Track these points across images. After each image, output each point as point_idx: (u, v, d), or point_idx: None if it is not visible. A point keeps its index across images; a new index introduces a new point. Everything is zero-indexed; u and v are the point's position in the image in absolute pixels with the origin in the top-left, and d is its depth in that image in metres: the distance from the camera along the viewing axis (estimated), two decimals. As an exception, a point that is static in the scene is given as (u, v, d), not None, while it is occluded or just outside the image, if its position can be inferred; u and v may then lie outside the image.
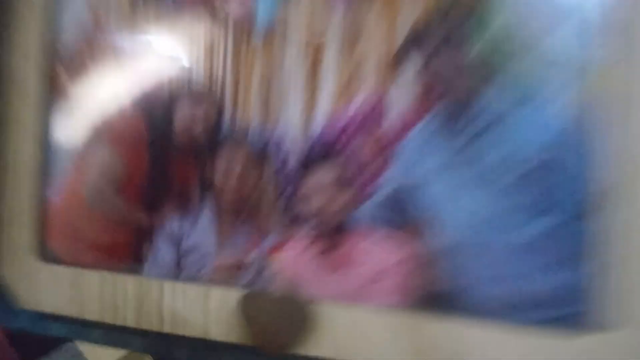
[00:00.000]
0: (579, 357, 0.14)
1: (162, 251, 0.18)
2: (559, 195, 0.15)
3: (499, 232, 0.15)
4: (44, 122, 0.19)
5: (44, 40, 0.19)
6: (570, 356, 0.14)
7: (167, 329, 0.17)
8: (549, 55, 0.15)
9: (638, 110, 0.14)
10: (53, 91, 0.19)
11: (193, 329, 0.17)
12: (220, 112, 0.17)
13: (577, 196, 0.14)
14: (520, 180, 0.15)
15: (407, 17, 0.16)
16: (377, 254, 0.16)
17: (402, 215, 0.16)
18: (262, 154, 0.17)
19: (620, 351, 0.14)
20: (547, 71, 0.15)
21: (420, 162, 0.16)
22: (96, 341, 0.19)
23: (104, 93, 0.19)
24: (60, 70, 0.18)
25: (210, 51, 0.18)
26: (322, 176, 0.17)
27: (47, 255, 0.18)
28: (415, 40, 0.16)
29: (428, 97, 0.16)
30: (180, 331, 0.17)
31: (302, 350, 0.16)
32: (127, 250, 0.18)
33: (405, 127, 0.16)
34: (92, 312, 0.18)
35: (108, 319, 0.17)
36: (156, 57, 0.18)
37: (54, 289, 0.18)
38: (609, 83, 0.14)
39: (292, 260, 0.17)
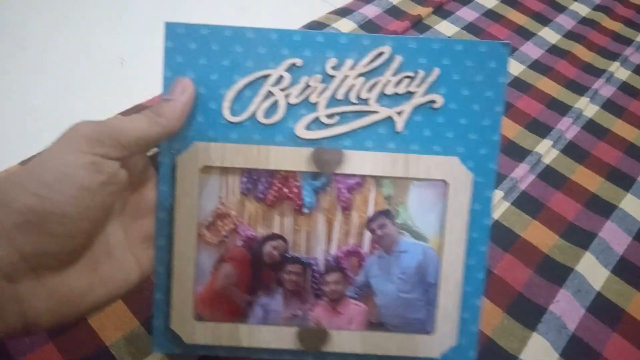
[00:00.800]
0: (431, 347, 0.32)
1: (257, 312, 0.31)
2: (422, 283, 0.33)
3: (399, 298, 0.33)
4: (195, 256, 0.34)
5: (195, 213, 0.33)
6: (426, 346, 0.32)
7: (261, 345, 0.32)
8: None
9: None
10: (200, 243, 0.33)
11: (273, 345, 0.32)
12: (286, 248, 0.32)
13: (429, 281, 0.33)
14: (408, 277, 0.33)
15: (372, 209, 0.35)
16: (352, 308, 0.33)
17: (363, 292, 0.32)
18: (305, 267, 0.32)
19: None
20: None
21: (371, 270, 0.32)
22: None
23: (228, 239, 0.34)
24: (204, 231, 0.33)
25: (281, 220, 0.33)
26: (332, 277, 0.32)
27: (198, 317, 0.32)
28: (370, 221, 0.34)
29: (377, 242, 0.34)
30: (268, 346, 0.32)
31: (324, 350, 0.32)
32: (240, 312, 0.32)
33: (366, 256, 0.33)
34: (225, 342, 0.32)
35: (232, 343, 0.33)
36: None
37: (203, 334, 0.32)
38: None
39: (318, 313, 0.33)
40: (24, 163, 0.44)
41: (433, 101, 0.34)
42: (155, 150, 0.37)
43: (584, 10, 0.71)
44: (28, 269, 0.23)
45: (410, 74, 0.32)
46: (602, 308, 0.43)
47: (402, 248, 0.36)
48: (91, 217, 0.25)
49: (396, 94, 0.34)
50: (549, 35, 0.69)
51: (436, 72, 0.32)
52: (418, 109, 0.35)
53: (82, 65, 0.59)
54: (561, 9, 0.73)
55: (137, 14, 0.67)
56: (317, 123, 0.34)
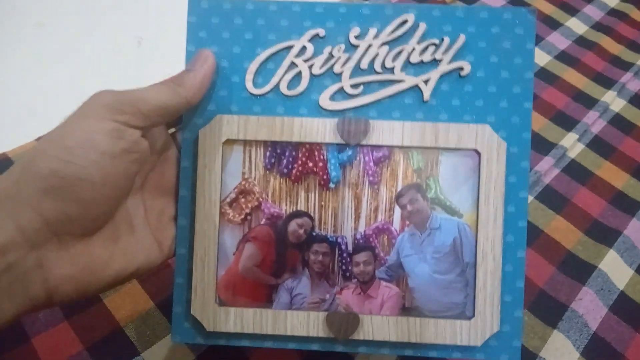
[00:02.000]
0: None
1: (282, 296, 0.30)
2: (458, 262, 0.31)
3: (434, 280, 0.31)
4: (218, 236, 0.32)
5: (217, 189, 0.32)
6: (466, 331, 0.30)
7: (287, 332, 0.30)
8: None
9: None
10: (221, 218, 0.32)
11: (300, 331, 0.31)
12: (312, 226, 0.31)
13: (466, 261, 0.31)
14: (442, 256, 0.31)
15: (400, 183, 0.33)
16: (384, 291, 0.31)
17: (395, 273, 0.31)
18: (333, 246, 0.30)
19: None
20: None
21: (403, 249, 0.31)
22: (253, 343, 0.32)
23: (252, 218, 0.33)
24: (226, 209, 0.32)
25: (307, 196, 0.32)
26: (361, 257, 0.31)
27: (220, 302, 0.31)
28: (400, 196, 0.33)
29: (408, 219, 0.32)
30: (294, 333, 0.30)
31: (354, 337, 0.30)
32: (264, 297, 0.31)
33: (397, 233, 0.31)
34: (248, 329, 0.30)
35: (256, 330, 0.30)
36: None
37: (226, 321, 0.31)
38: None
39: (347, 297, 0.32)
40: (40, 139, 0.43)
41: (460, 68, 0.33)
42: (173, 130, 0.36)
43: (612, 2, 0.69)
44: (52, 235, 0.23)
45: (436, 41, 0.31)
46: (625, 308, 0.42)
47: (435, 224, 0.33)
48: (114, 184, 0.25)
49: (422, 62, 0.33)
50: (577, 26, 0.67)
51: (462, 38, 0.31)
52: (445, 77, 0.33)
53: (99, 44, 0.59)
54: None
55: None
56: (341, 94, 0.33)
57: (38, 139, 0.43)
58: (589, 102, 0.58)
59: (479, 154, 0.33)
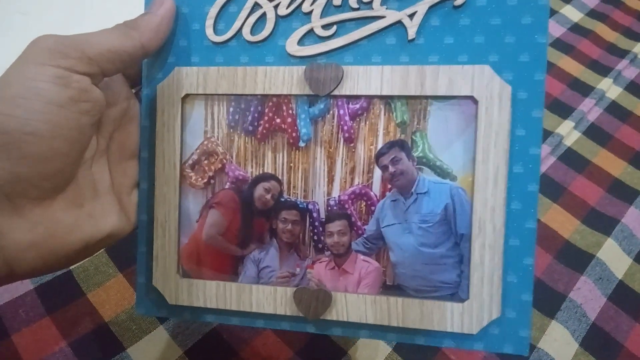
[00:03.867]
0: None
1: (248, 269, 0.27)
2: (450, 234, 0.26)
3: (420, 253, 0.26)
4: (180, 199, 0.29)
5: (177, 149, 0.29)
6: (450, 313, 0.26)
7: (253, 309, 0.28)
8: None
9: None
10: (183, 182, 0.29)
11: (267, 309, 0.28)
12: (281, 191, 0.27)
13: (460, 232, 0.26)
14: (431, 226, 0.26)
15: (381, 140, 0.28)
16: (361, 266, 0.27)
17: (375, 245, 0.27)
18: (303, 213, 0.27)
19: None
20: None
21: (384, 218, 0.26)
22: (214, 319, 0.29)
23: (215, 181, 0.30)
24: (188, 171, 0.29)
25: (274, 156, 0.28)
26: (335, 226, 0.27)
27: (184, 273, 0.29)
28: (380, 155, 0.28)
29: (390, 182, 0.27)
30: (260, 310, 0.27)
31: (326, 317, 0.27)
32: (230, 269, 0.28)
33: (377, 199, 0.27)
34: (212, 304, 0.28)
35: (220, 306, 0.28)
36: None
37: (189, 294, 0.28)
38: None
39: (319, 271, 0.28)
40: None
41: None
42: (138, 89, 0.33)
43: None
44: (4, 198, 0.21)
45: None
46: (624, 297, 0.42)
47: (422, 189, 0.28)
48: (65, 137, 0.22)
49: None
50: (572, 13, 0.66)
51: None
52: (435, 8, 0.27)
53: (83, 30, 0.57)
54: None
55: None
56: (311, 36, 0.29)
57: None
58: (585, 89, 0.56)
59: (476, 102, 0.27)
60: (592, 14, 0.66)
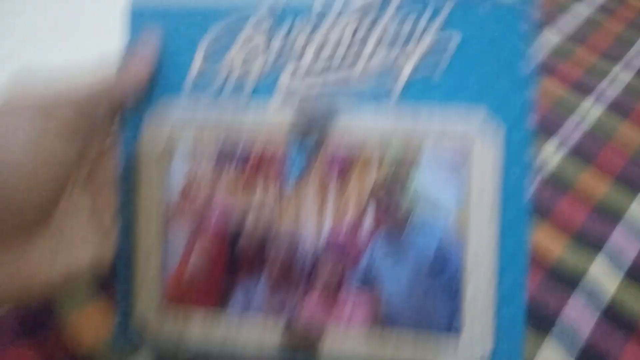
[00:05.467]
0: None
1: (236, 300, 0.27)
2: (443, 269, 0.26)
3: (413, 287, 0.26)
4: (165, 228, 0.28)
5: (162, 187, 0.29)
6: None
7: (240, 341, 0.27)
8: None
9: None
10: (169, 211, 0.28)
11: (255, 340, 0.27)
12: (271, 223, 0.27)
13: (453, 267, 0.26)
14: (424, 260, 0.26)
15: (372, 179, 0.27)
16: (353, 300, 0.28)
17: (368, 279, 0.26)
18: (294, 245, 0.26)
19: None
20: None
21: (376, 253, 0.26)
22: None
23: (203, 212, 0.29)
24: (173, 202, 0.29)
25: (265, 189, 0.28)
26: (327, 258, 0.26)
27: (166, 303, 0.28)
28: (374, 189, 0.28)
29: (381, 220, 0.27)
30: (248, 341, 0.26)
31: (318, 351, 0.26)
32: (217, 301, 0.27)
33: (370, 236, 0.26)
34: (196, 335, 0.27)
35: (205, 336, 0.27)
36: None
37: (172, 323, 0.28)
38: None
39: (310, 304, 0.28)
40: None
41: (446, 41, 0.28)
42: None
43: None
44: None
45: (417, 8, 0.26)
46: (616, 315, 0.41)
47: (415, 224, 0.28)
48: (45, 190, 0.22)
49: (399, 34, 0.28)
50: (552, 36, 0.64)
51: (448, 6, 0.25)
52: (428, 52, 0.28)
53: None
54: None
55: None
56: (304, 74, 0.28)
57: None
58: (567, 110, 0.55)
59: (470, 140, 0.27)
60: (573, 37, 0.66)
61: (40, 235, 0.23)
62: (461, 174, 0.28)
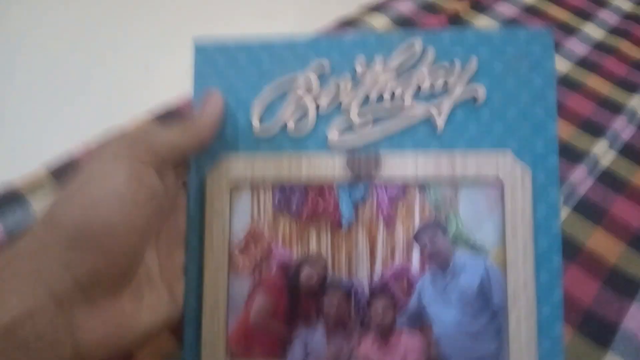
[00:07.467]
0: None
1: (297, 350, 0.27)
2: (487, 307, 0.28)
3: (461, 326, 0.27)
4: (228, 286, 0.30)
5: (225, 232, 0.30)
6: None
7: None
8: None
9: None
10: (231, 266, 0.30)
11: None
12: (326, 271, 0.28)
13: (495, 305, 0.27)
14: (469, 300, 0.27)
15: (416, 224, 0.29)
16: (406, 341, 0.28)
17: (418, 320, 0.28)
18: (348, 292, 0.28)
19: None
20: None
21: (424, 294, 0.28)
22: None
23: (262, 264, 0.30)
24: (236, 255, 0.30)
25: (318, 238, 0.29)
26: (379, 303, 0.28)
27: (232, 356, 0.28)
28: (418, 234, 0.30)
29: (428, 260, 0.29)
30: None
31: None
32: (278, 350, 0.28)
33: (418, 276, 0.28)
34: None
35: None
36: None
37: None
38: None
39: (366, 348, 0.28)
40: (50, 169, 0.40)
41: (475, 93, 0.30)
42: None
43: (627, 6, 0.71)
44: (81, 294, 0.21)
45: (447, 65, 0.28)
46: None
47: (458, 264, 0.30)
48: (139, 232, 0.23)
49: (433, 88, 0.31)
50: (594, 31, 0.65)
51: (474, 61, 0.28)
52: (459, 103, 0.30)
53: (106, 69, 0.58)
54: (603, 3, 0.69)
55: (162, 23, 0.65)
56: (350, 128, 0.31)
57: (49, 169, 0.41)
58: (615, 107, 0.54)
59: (501, 184, 0.30)
60: (615, 31, 0.65)
61: (127, 297, 0.24)
62: (495, 215, 0.30)
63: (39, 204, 0.34)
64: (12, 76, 0.59)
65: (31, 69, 0.60)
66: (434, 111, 0.30)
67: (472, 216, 0.30)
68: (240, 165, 0.29)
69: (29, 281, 0.20)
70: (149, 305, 0.25)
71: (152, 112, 0.52)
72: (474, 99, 0.29)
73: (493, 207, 0.30)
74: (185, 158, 0.27)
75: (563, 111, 0.57)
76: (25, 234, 0.21)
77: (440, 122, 0.30)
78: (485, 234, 0.29)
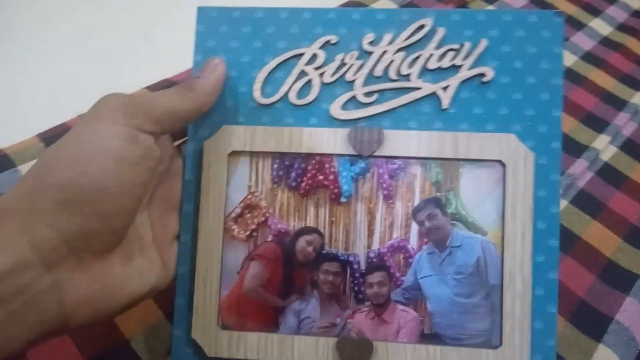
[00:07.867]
0: None
1: (289, 320, 0.27)
2: (482, 285, 0.28)
3: (455, 303, 0.27)
4: (222, 252, 0.29)
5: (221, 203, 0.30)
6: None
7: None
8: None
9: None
10: (225, 235, 0.29)
11: (309, 359, 0.27)
12: (322, 244, 0.28)
13: (491, 283, 0.27)
14: (465, 277, 0.28)
15: (418, 197, 0.29)
16: (400, 315, 0.28)
17: (412, 296, 0.28)
18: (344, 265, 0.28)
19: None
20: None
21: (421, 270, 0.28)
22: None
23: (257, 234, 0.30)
24: (231, 224, 0.29)
25: (316, 211, 0.29)
26: (375, 277, 0.28)
27: (223, 325, 0.28)
28: (417, 211, 0.29)
29: (426, 236, 0.28)
30: None
31: None
32: (270, 320, 0.28)
33: (414, 252, 0.28)
34: (252, 355, 0.28)
35: (260, 357, 0.27)
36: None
37: (228, 346, 0.28)
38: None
39: (359, 321, 0.28)
40: (41, 135, 0.40)
41: (482, 74, 0.30)
42: (181, 141, 0.33)
43: (635, 3, 0.72)
44: (70, 253, 0.21)
45: (455, 46, 0.28)
46: None
47: (456, 242, 0.30)
48: (133, 193, 0.23)
49: (440, 68, 0.30)
50: (601, 26, 0.65)
51: (484, 43, 0.28)
52: (465, 83, 0.30)
53: (105, 40, 0.54)
54: (611, 0, 0.70)
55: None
56: (354, 102, 0.31)
57: (39, 135, 0.41)
58: (618, 103, 0.54)
59: (503, 165, 0.29)
60: (622, 27, 0.62)
61: (117, 259, 0.24)
62: (495, 195, 0.30)
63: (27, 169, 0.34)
64: (9, 46, 0.58)
65: (28, 42, 0.58)
66: (439, 90, 0.30)
67: (473, 196, 0.30)
68: (239, 135, 0.28)
69: (14, 237, 0.19)
70: (139, 270, 0.25)
71: (151, 89, 0.51)
72: (481, 80, 0.29)
73: (493, 188, 0.30)
74: (182, 124, 0.26)
75: (566, 104, 0.57)
76: (12, 190, 0.21)
77: (445, 101, 0.30)
78: (484, 213, 0.29)
